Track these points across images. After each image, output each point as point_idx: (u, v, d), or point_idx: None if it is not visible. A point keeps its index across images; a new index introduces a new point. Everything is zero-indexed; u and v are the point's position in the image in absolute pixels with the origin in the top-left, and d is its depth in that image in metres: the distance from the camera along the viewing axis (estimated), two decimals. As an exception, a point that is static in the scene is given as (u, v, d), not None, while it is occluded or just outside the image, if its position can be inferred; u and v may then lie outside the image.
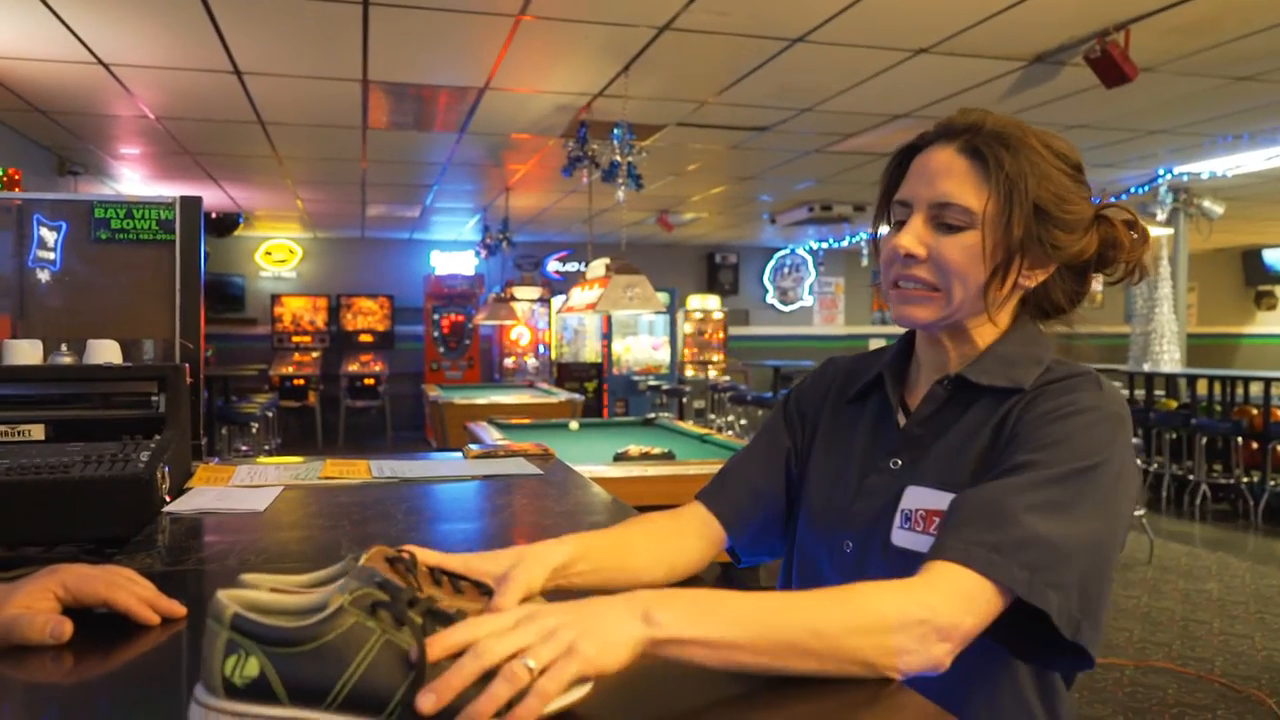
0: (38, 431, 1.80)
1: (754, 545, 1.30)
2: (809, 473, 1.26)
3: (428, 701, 0.69)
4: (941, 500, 1.04)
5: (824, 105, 5.69)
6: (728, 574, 1.17)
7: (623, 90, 5.15)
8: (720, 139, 6.65)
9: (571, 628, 0.75)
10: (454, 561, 0.93)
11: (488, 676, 0.71)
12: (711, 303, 13.02)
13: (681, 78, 5.13)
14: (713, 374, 12.49)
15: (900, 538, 1.08)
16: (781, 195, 9.24)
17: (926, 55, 4.68)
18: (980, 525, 0.94)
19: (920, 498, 1.08)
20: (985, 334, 1.14)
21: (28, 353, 2.00)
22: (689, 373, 12.51)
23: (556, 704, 0.73)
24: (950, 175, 1.07)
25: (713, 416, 11.02)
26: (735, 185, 8.65)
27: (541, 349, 12.32)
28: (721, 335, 12.90)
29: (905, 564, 1.00)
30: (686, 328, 12.77)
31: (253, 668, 0.69)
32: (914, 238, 1.08)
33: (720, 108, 5.76)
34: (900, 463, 1.13)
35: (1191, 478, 7.31)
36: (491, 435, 4.68)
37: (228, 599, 0.70)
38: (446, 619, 0.75)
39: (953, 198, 1.07)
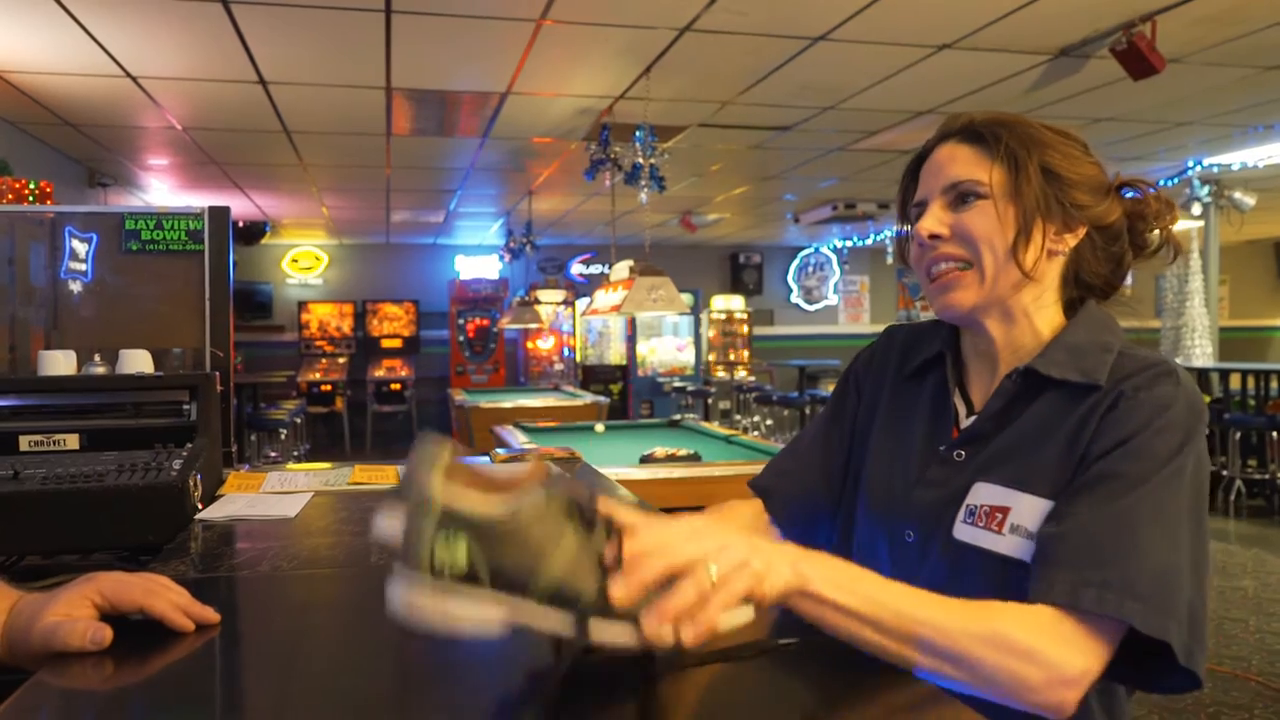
0: (72, 441, 1.83)
1: (802, 536, 1.30)
2: (869, 452, 1.25)
3: (620, 592, 0.75)
4: (1010, 498, 1.05)
5: (846, 103, 5.67)
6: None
7: (644, 92, 5.16)
8: (742, 139, 6.64)
9: (741, 547, 0.82)
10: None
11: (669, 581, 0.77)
12: (736, 303, 12.99)
13: (703, 79, 5.13)
14: (739, 374, 12.47)
15: (963, 532, 1.08)
16: (805, 194, 9.20)
17: (949, 51, 4.65)
18: (1085, 562, 0.93)
19: (988, 494, 1.07)
20: (1045, 319, 1.14)
21: (62, 363, 2.04)
22: (714, 374, 12.49)
23: (729, 619, 0.79)
24: (955, 161, 1.13)
25: (738, 417, 11.00)
26: (758, 185, 8.63)
27: (566, 352, 12.34)
28: (746, 335, 12.87)
29: (965, 559, 1.04)
30: (711, 329, 12.75)
31: (460, 550, 0.72)
32: (934, 219, 1.12)
33: (742, 108, 5.75)
34: (964, 454, 1.13)
35: (1225, 473, 7.21)
36: (518, 439, 4.70)
37: (440, 494, 0.73)
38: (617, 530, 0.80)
39: (961, 176, 1.12)
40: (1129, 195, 1.15)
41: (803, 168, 7.71)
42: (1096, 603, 0.90)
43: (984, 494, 1.08)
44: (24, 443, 1.78)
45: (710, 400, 10.80)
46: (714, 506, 1.28)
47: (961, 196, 1.11)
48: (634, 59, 4.76)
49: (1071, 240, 1.12)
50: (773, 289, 13.76)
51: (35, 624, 0.94)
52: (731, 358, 12.70)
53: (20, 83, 5.00)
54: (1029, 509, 1.02)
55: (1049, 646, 0.89)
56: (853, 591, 0.87)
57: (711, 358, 12.72)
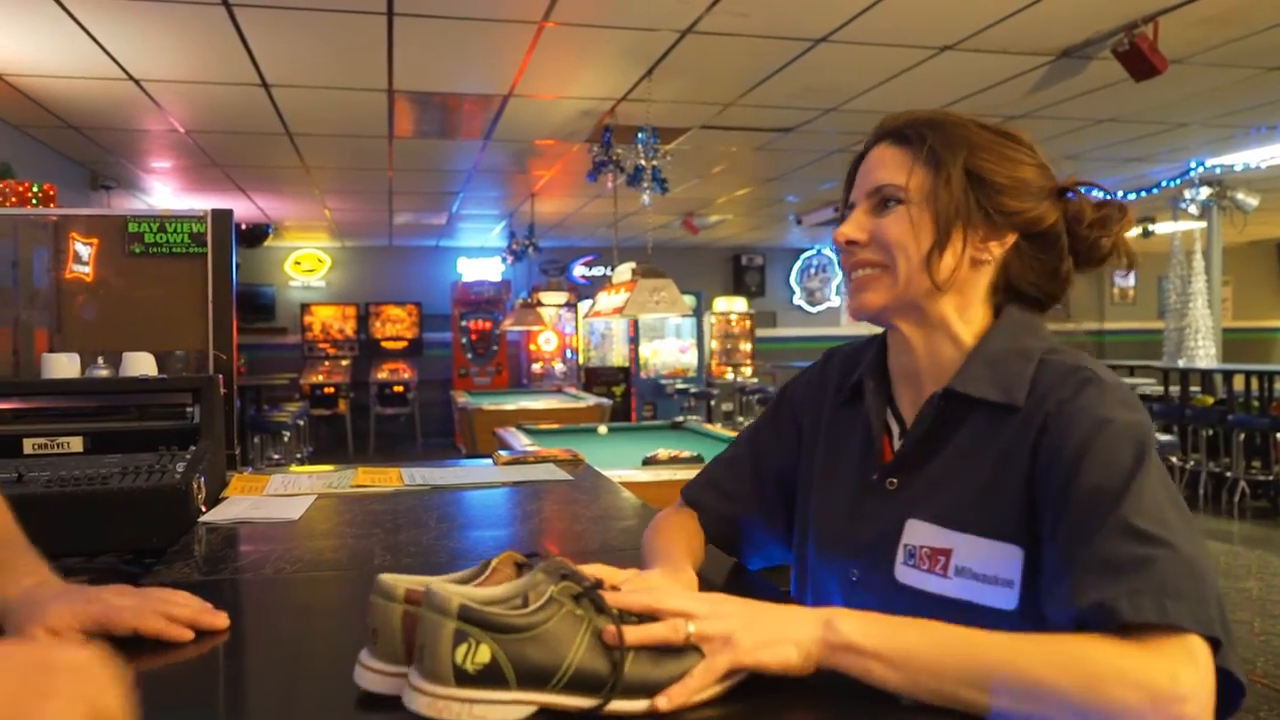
0: (76, 444, 1.83)
1: (751, 552, 1.31)
2: (812, 482, 1.21)
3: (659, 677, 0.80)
4: (949, 539, 1.00)
5: (848, 105, 5.67)
6: (743, 578, 1.13)
7: (646, 94, 5.16)
8: (745, 141, 6.64)
9: (736, 618, 0.83)
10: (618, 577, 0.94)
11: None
12: (738, 305, 12.99)
13: (705, 80, 5.13)
14: (741, 376, 12.46)
15: (906, 575, 1.03)
16: (807, 196, 9.20)
17: (951, 52, 4.65)
18: (1116, 577, 0.84)
19: (922, 534, 1.03)
20: (967, 329, 1.08)
21: (65, 366, 2.04)
22: (717, 375, 12.48)
23: (708, 692, 0.81)
24: (882, 164, 1.10)
25: (741, 419, 10.99)
26: (760, 187, 8.63)
27: (569, 354, 12.35)
28: (749, 337, 12.87)
29: (914, 601, 0.98)
30: (714, 330, 12.75)
31: (484, 654, 0.73)
32: (853, 225, 1.11)
33: (744, 109, 5.75)
34: (896, 483, 1.08)
35: (1229, 475, 7.20)
36: (521, 441, 4.70)
37: (448, 592, 0.74)
38: (628, 618, 0.82)
39: (883, 180, 1.09)
40: (1071, 198, 1.09)
41: (805, 169, 7.71)
42: (1157, 611, 0.80)
43: (921, 534, 1.03)
44: (28, 445, 1.78)
45: (713, 402, 10.80)
46: (659, 519, 1.28)
47: (883, 201, 1.09)
48: (636, 61, 4.76)
49: (998, 249, 1.07)
50: (775, 291, 13.76)
51: (21, 631, 0.94)
52: (734, 360, 12.69)
53: (23, 85, 5.01)
54: (970, 549, 0.98)
55: (1139, 667, 0.78)
56: (899, 636, 0.83)
57: (714, 359, 12.71)
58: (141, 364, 2.09)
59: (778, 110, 5.80)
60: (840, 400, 1.22)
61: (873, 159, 1.12)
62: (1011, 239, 1.07)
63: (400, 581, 0.81)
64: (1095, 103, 5.65)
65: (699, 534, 1.25)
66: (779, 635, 0.83)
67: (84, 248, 2.38)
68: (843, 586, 1.12)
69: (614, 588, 0.87)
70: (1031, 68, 4.92)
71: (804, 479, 1.23)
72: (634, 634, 0.79)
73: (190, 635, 0.99)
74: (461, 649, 0.72)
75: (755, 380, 12.13)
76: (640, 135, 5.39)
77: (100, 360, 2.15)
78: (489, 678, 0.73)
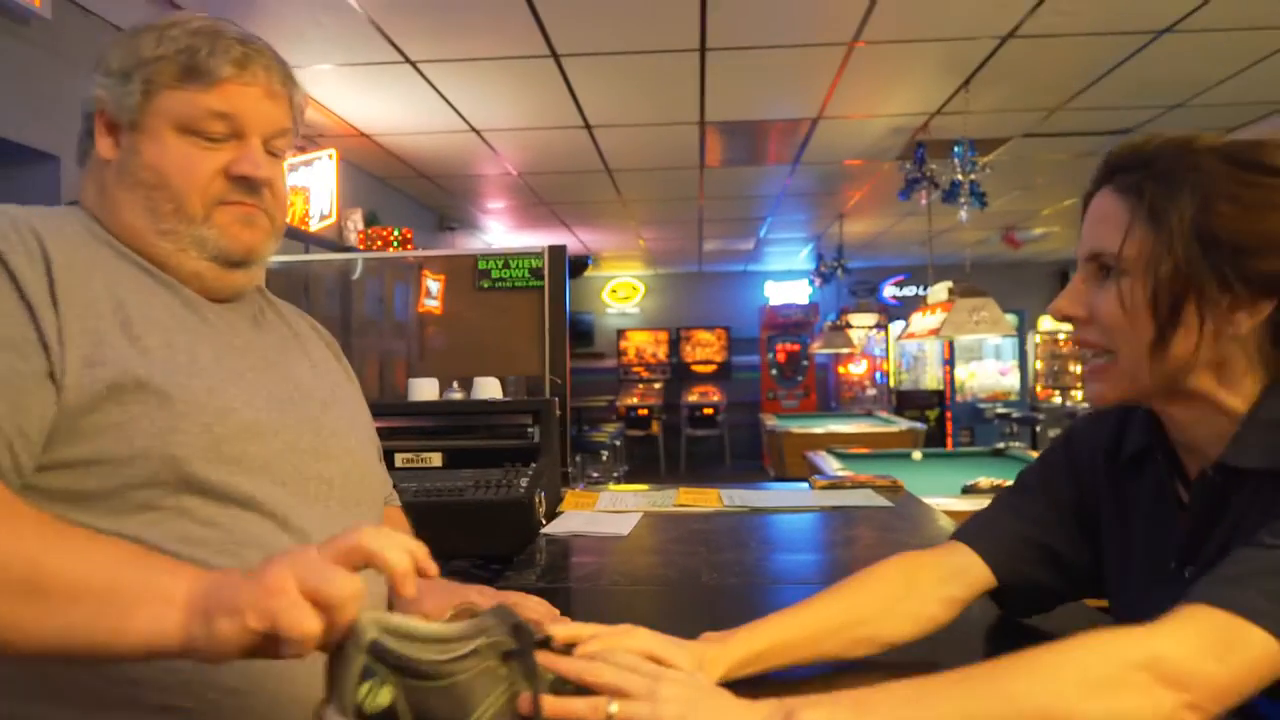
0: (436, 459, 2.04)
1: (1026, 599, 1.10)
2: (1104, 553, 1.06)
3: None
4: None
5: (1198, 99, 5.10)
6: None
7: (963, 106, 4.95)
8: (1072, 147, 6.18)
9: (673, 704, 0.75)
10: (636, 639, 0.89)
11: None
12: (1066, 324, 12.05)
13: (1027, 86, 4.83)
14: (1072, 400, 11.53)
15: None
16: (1146, 202, 8.37)
17: (1329, 30, 4.06)
18: (1250, 576, 0.76)
19: None
20: (1237, 395, 0.90)
21: (427, 390, 2.29)
22: (1042, 399, 11.64)
23: None
24: (1103, 220, 0.93)
25: (1070, 446, 10.16)
26: (1090, 195, 7.97)
27: (879, 376, 12.05)
28: (1079, 358, 11.88)
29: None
30: (1038, 351, 11.91)
31: (385, 697, 0.68)
32: (1069, 298, 0.96)
33: (1072, 114, 5.35)
34: (1192, 573, 0.92)
35: None
36: (831, 465, 4.64)
37: (369, 622, 0.69)
38: (563, 685, 0.77)
39: (1100, 245, 0.92)
40: None
41: (1143, 173, 7.03)
42: (1252, 612, 0.73)
43: None
44: (398, 459, 2.01)
45: (1038, 428, 10.07)
46: (911, 561, 1.06)
47: (1102, 269, 0.92)
48: (951, 72, 4.58)
49: (1248, 320, 0.87)
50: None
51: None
52: (1063, 382, 11.78)
53: (387, 143, 5.72)
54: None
55: (1150, 640, 0.73)
56: (868, 710, 0.73)
57: (1039, 382, 11.86)
58: (490, 388, 2.30)
59: (1112, 112, 5.33)
60: (1121, 466, 1.04)
61: (1094, 212, 0.95)
62: (1268, 307, 0.87)
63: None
64: None
65: (905, 592, 1.02)
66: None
67: (434, 283, 2.67)
68: None
69: (568, 647, 0.82)
70: None
71: (1092, 533, 1.07)
72: (551, 706, 0.73)
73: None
74: (365, 686, 0.67)
75: (1087, 405, 11.17)
76: (956, 149, 5.17)
77: (455, 384, 2.40)
78: None
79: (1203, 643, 0.73)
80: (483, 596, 1.08)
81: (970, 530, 1.09)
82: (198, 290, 1.03)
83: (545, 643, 0.79)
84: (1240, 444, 0.88)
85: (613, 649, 0.83)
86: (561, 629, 0.91)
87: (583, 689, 0.77)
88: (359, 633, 0.68)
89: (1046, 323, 12.00)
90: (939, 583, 1.02)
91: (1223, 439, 0.90)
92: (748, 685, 0.87)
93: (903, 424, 7.67)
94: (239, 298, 1.09)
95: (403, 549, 0.72)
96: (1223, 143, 0.89)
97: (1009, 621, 1.11)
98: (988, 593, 1.07)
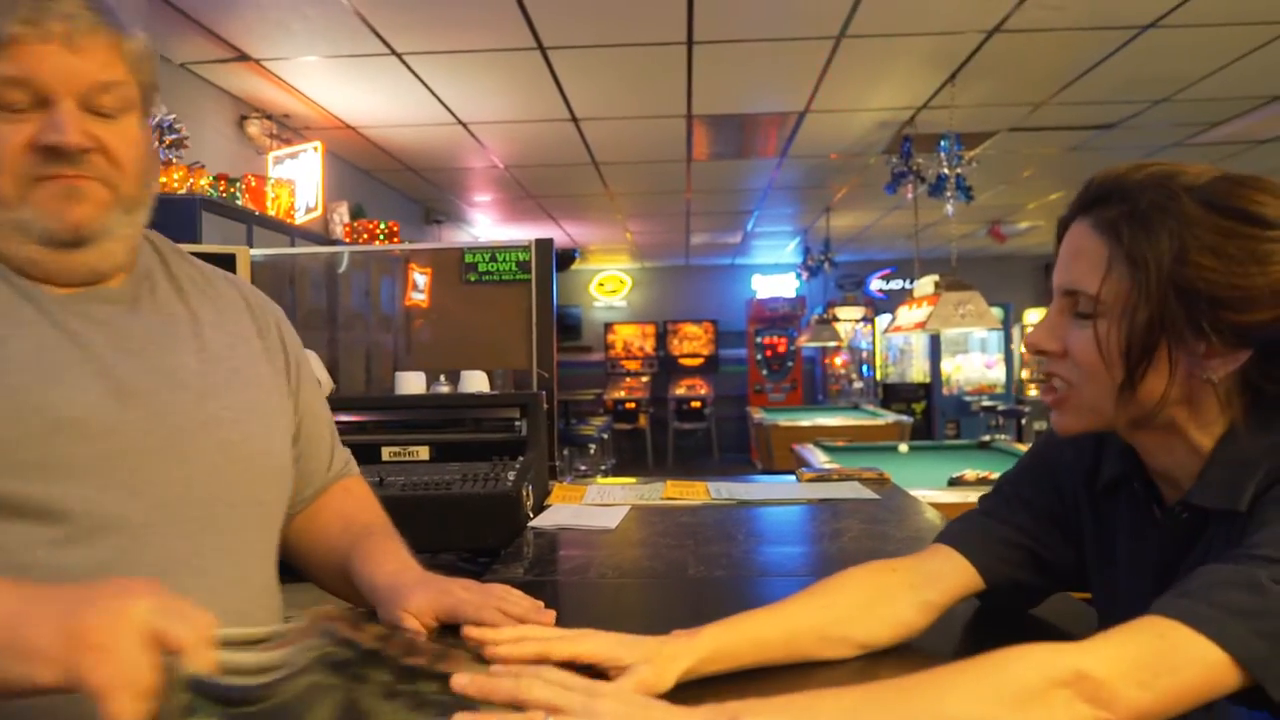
0: (424, 452, 2.04)
1: (1011, 597, 1.09)
2: (1088, 565, 1.06)
3: (460, 682, 0.73)
4: None
5: (1183, 94, 5.13)
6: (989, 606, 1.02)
7: (949, 100, 4.96)
8: (1057, 141, 6.21)
9: (613, 715, 0.72)
10: (585, 645, 0.87)
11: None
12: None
13: (1013, 81, 4.85)
14: (1054, 393, 11.58)
15: None
16: (1130, 196, 8.42)
17: (1311, 25, 4.08)
18: (1204, 589, 0.76)
19: None
20: (1206, 432, 0.91)
21: (414, 383, 2.28)
22: (1029, 392, 11.69)
23: None
24: (1080, 256, 0.91)
25: (1055, 439, 10.22)
26: (1076, 189, 7.97)
27: (865, 370, 12.09)
28: (1062, 351, 11.94)
29: None
30: (1024, 344, 11.96)
31: None
32: (1046, 330, 0.95)
33: (1057, 108, 5.37)
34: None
35: None
36: (818, 458, 4.66)
37: (189, 660, 0.67)
38: (413, 674, 0.75)
39: (1078, 284, 0.91)
40: None
41: (1128, 167, 7.07)
42: (1197, 620, 0.73)
43: None
44: (385, 453, 2.01)
45: (1024, 421, 10.12)
46: (888, 565, 1.04)
47: (1080, 312, 0.91)
48: (938, 66, 4.60)
49: (1223, 368, 0.87)
50: (1093, 300, 12.69)
51: (387, 612, 1.01)
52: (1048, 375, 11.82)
53: (373, 136, 5.69)
54: None
55: (1077, 654, 0.72)
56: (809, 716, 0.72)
57: (1025, 375, 11.92)
58: (477, 382, 2.30)
59: (1097, 106, 5.36)
60: (1099, 489, 1.04)
61: (1071, 240, 0.94)
62: (1243, 356, 0.86)
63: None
64: None
65: (881, 596, 0.99)
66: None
67: (420, 277, 2.66)
68: None
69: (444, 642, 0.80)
70: None
71: (1076, 548, 1.07)
72: (491, 687, 0.73)
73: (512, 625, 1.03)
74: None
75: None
76: (943, 143, 5.19)
77: (442, 378, 2.39)
78: None
79: (1139, 658, 0.73)
80: (468, 591, 1.06)
81: (955, 533, 1.08)
82: (40, 277, 0.94)
83: (375, 654, 0.76)
84: (1203, 482, 0.90)
85: (540, 669, 0.79)
86: (475, 630, 0.91)
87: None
88: (177, 672, 0.67)
89: (1032, 316, 12.06)
90: (915, 587, 1.00)
91: (1192, 474, 0.92)
92: (703, 685, 0.87)
93: (889, 417, 7.70)
94: (103, 279, 0.99)
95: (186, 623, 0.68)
96: (1206, 182, 0.87)
97: (988, 612, 1.11)
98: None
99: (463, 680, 0.74)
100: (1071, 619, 1.11)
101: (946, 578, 1.03)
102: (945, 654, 0.91)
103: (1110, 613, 1.02)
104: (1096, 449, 1.05)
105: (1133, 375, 0.88)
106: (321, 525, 1.22)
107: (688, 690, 0.85)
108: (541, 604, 1.06)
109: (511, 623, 0.98)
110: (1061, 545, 1.07)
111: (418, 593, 1.02)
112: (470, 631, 0.93)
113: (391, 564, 1.10)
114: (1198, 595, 0.76)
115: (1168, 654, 0.73)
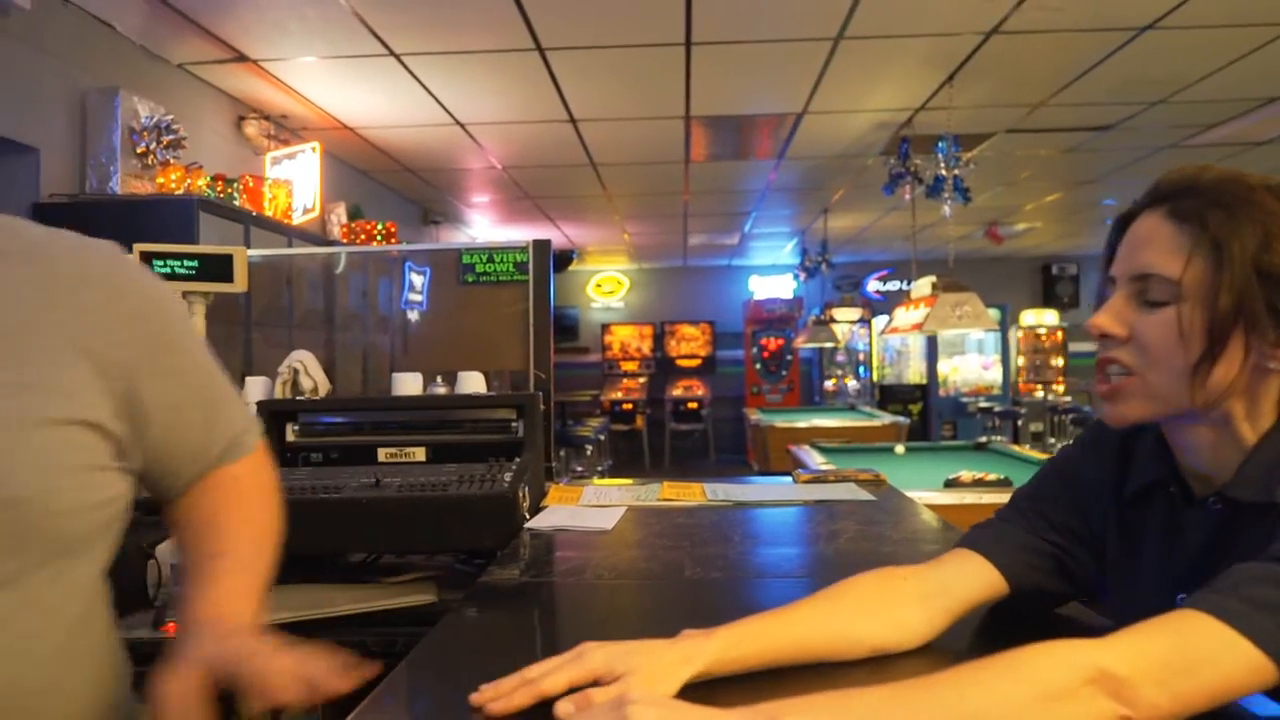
0: (420, 454, 2.03)
1: (1031, 602, 1.08)
2: (1110, 580, 1.06)
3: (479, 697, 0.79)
4: None
5: (1180, 95, 5.14)
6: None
7: (947, 101, 4.97)
8: (1055, 143, 6.22)
9: (645, 706, 0.72)
10: (588, 660, 0.86)
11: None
12: (1049, 318, 12.13)
13: (1011, 82, 4.86)
14: (1053, 394, 11.61)
15: None
16: (1128, 198, 8.22)
17: (1308, 28, 4.09)
18: (1236, 585, 0.76)
19: None
20: (1255, 427, 0.93)
21: (411, 385, 2.28)
22: (1024, 393, 11.71)
23: None
24: (1153, 244, 0.93)
25: (1052, 440, 10.23)
26: (1073, 190, 8.03)
27: (862, 371, 12.10)
28: (1061, 352, 11.97)
29: None
30: (1020, 345, 11.98)
31: None
32: (1112, 315, 0.95)
33: (1055, 109, 5.38)
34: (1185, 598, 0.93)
35: None
36: (815, 459, 4.66)
37: None
38: None
39: (1153, 268, 0.92)
40: None
41: (1126, 169, 7.08)
42: (1231, 616, 0.73)
43: None
44: (382, 454, 2.00)
45: (1020, 422, 10.13)
46: (908, 571, 1.02)
47: (1150, 298, 0.92)
48: (936, 68, 4.60)
49: None
50: (1090, 301, 12.68)
51: (173, 660, 0.91)
52: (1044, 377, 11.85)
53: (371, 136, 5.69)
54: None
55: (1101, 651, 0.72)
56: (843, 715, 0.71)
57: (1021, 376, 11.94)
58: (473, 383, 2.30)
59: (1094, 108, 5.37)
60: (1128, 496, 1.04)
61: (1141, 230, 0.96)
62: None
63: None
64: None
65: (889, 600, 0.98)
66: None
67: (418, 278, 2.66)
68: None
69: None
70: None
71: (1097, 557, 1.07)
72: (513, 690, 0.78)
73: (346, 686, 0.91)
74: None
75: (1069, 399, 11.25)
76: (940, 144, 5.20)
77: (439, 379, 2.39)
78: None
79: (1166, 654, 0.73)
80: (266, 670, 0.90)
81: (977, 538, 1.08)
82: None
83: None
84: (1243, 475, 0.91)
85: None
86: (480, 694, 0.84)
87: None
88: None
89: (1029, 317, 12.08)
90: (927, 594, 1.00)
91: (1230, 470, 0.93)
92: (723, 686, 0.87)
93: (886, 418, 7.71)
94: None
95: None
96: (1276, 182, 0.92)
97: (1004, 610, 1.11)
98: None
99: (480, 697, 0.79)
100: (1084, 616, 1.11)
101: (965, 583, 1.02)
102: (960, 651, 0.90)
103: (1129, 612, 1.02)
104: (1121, 460, 1.06)
105: (1213, 358, 0.89)
106: (186, 524, 1.08)
107: (694, 691, 0.85)
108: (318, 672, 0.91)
109: (301, 686, 0.89)
110: (1085, 557, 1.07)
111: (190, 664, 0.90)
112: (475, 698, 0.85)
113: (217, 605, 0.98)
114: (1227, 591, 0.76)
115: (1194, 648, 0.73)
